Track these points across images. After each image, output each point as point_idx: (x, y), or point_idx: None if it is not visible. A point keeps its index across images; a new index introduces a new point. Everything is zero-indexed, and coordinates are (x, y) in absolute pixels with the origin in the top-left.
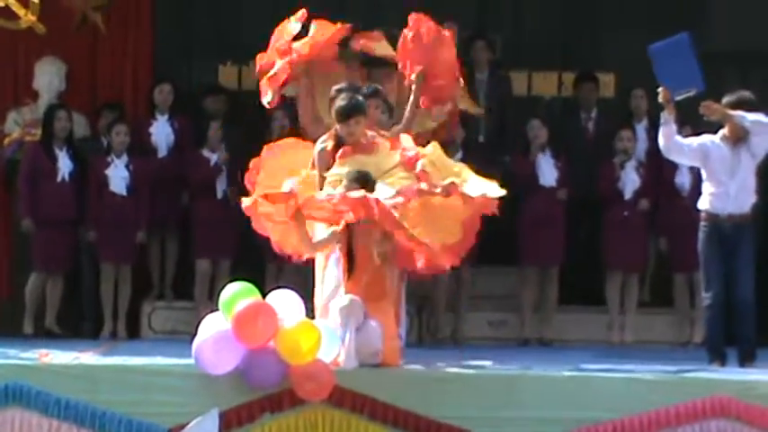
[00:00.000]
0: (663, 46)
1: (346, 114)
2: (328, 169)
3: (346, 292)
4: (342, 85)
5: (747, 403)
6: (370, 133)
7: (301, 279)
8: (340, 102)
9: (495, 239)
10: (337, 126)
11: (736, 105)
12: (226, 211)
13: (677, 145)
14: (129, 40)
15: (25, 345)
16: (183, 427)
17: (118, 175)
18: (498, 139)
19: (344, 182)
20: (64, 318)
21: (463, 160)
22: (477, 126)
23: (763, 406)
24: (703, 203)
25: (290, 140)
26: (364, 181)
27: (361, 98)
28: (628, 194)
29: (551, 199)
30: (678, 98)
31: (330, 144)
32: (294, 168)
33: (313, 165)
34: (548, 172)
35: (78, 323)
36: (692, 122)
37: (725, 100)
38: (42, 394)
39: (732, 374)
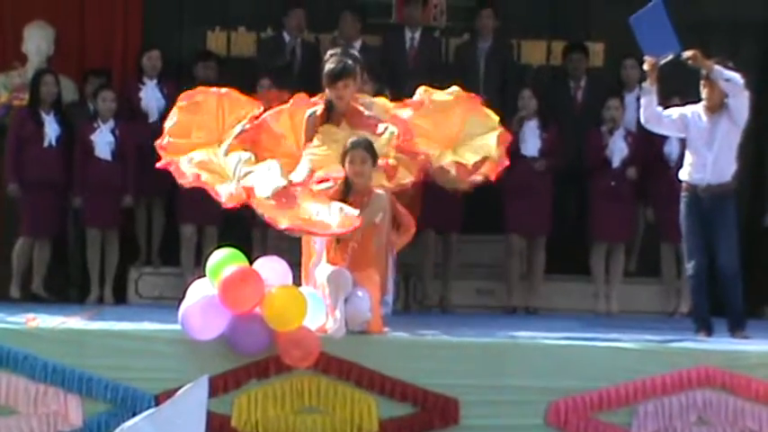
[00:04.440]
0: (640, 15)
1: (335, 77)
2: (314, 135)
3: (331, 260)
4: (335, 49)
5: (733, 373)
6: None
7: (285, 244)
8: (329, 65)
9: (484, 208)
10: (327, 90)
11: (720, 63)
12: None
13: (656, 115)
14: (118, 4)
15: (12, 309)
16: (169, 392)
17: (103, 141)
18: (499, 106)
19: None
20: (51, 282)
21: None
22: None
23: (749, 376)
24: (683, 174)
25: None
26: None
27: (350, 61)
28: (615, 163)
29: (532, 169)
30: (661, 63)
31: (320, 109)
32: (204, 126)
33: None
34: (531, 142)
35: (65, 288)
36: (680, 93)
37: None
38: (29, 358)
39: (718, 345)
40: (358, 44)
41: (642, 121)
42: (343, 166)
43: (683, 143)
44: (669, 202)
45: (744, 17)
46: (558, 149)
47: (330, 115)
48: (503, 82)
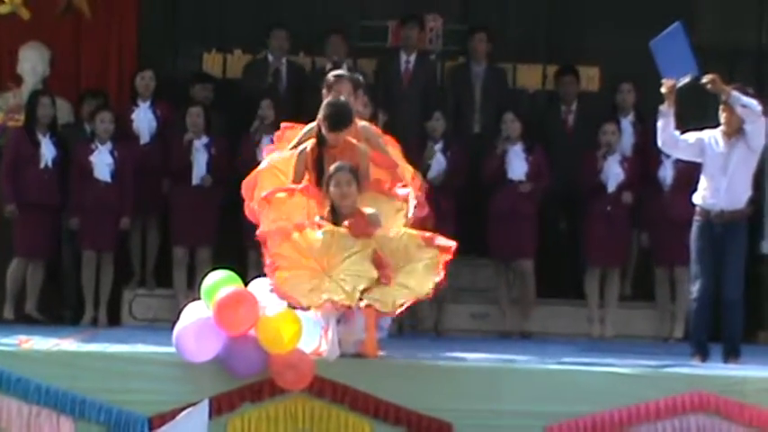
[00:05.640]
0: (660, 38)
1: (337, 126)
2: (305, 170)
3: None
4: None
5: (727, 398)
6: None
7: None
8: (330, 110)
9: (478, 232)
10: (325, 132)
11: (738, 89)
12: (203, 198)
13: (673, 138)
14: (113, 26)
15: (5, 330)
16: (163, 414)
17: (102, 162)
18: (494, 130)
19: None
20: (45, 304)
21: (447, 151)
22: (471, 117)
23: (742, 401)
24: (697, 198)
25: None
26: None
27: (349, 106)
28: (611, 188)
29: (518, 193)
30: (679, 86)
31: (311, 144)
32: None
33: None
34: (517, 166)
35: (59, 310)
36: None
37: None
38: (22, 380)
39: (712, 370)
40: (344, 66)
41: (659, 144)
42: (328, 191)
43: (678, 168)
44: (664, 226)
45: (739, 43)
46: (545, 172)
47: (321, 149)
48: (499, 107)
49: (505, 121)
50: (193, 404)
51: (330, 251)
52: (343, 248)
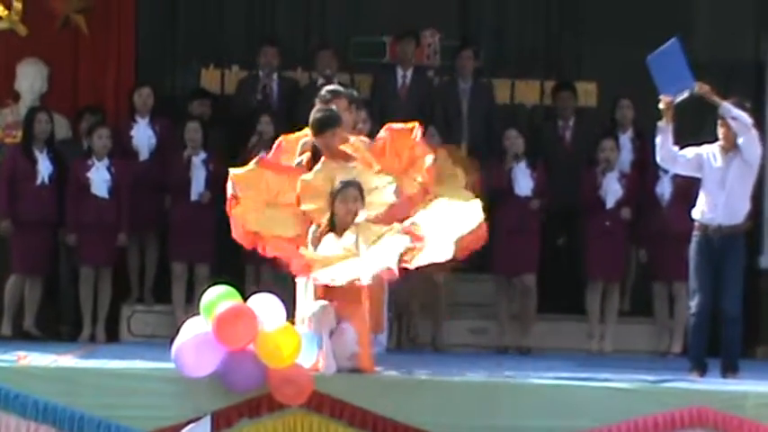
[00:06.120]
0: (657, 54)
1: (322, 127)
2: None
3: (323, 295)
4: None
5: (725, 413)
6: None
7: (279, 284)
8: (315, 114)
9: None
10: (314, 138)
11: (734, 104)
12: (201, 214)
13: (671, 154)
14: (111, 42)
15: (4, 347)
16: (162, 430)
17: (100, 178)
18: (481, 146)
19: (337, 184)
20: (42, 320)
21: None
22: (459, 133)
23: (741, 416)
24: (696, 213)
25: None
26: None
27: (335, 109)
28: (610, 204)
29: (526, 209)
30: (676, 101)
31: (305, 158)
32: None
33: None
34: (523, 182)
35: (57, 326)
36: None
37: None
38: (21, 397)
39: (711, 385)
40: (335, 81)
41: (658, 160)
42: (333, 205)
43: (676, 183)
44: (662, 242)
45: (736, 57)
46: (545, 189)
47: (317, 162)
48: (486, 123)
49: (509, 137)
50: (192, 420)
51: (358, 242)
52: (370, 235)
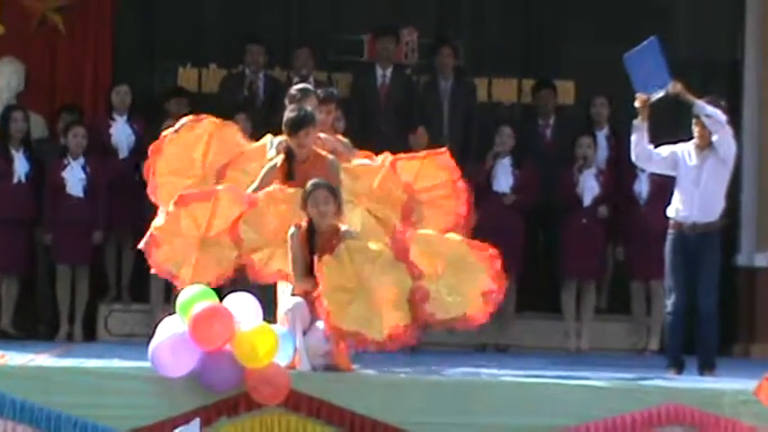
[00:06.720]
0: (635, 53)
1: (296, 127)
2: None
3: (299, 292)
4: (297, 87)
5: (702, 411)
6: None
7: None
8: (289, 114)
9: None
10: (287, 138)
11: (711, 101)
12: None
13: (646, 152)
14: (88, 41)
15: None
16: (139, 430)
17: (75, 177)
18: (462, 145)
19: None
20: (19, 319)
21: None
22: (440, 132)
23: (718, 414)
24: (671, 211)
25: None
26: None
27: (309, 108)
28: (587, 201)
29: (503, 205)
30: (652, 100)
31: (280, 160)
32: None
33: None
34: (503, 179)
35: (34, 325)
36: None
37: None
38: None
39: (688, 382)
40: (311, 80)
41: (633, 158)
42: (305, 209)
43: (653, 181)
44: (639, 240)
45: (714, 57)
46: (532, 187)
47: (291, 163)
48: (467, 121)
49: (502, 135)
50: (170, 419)
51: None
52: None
